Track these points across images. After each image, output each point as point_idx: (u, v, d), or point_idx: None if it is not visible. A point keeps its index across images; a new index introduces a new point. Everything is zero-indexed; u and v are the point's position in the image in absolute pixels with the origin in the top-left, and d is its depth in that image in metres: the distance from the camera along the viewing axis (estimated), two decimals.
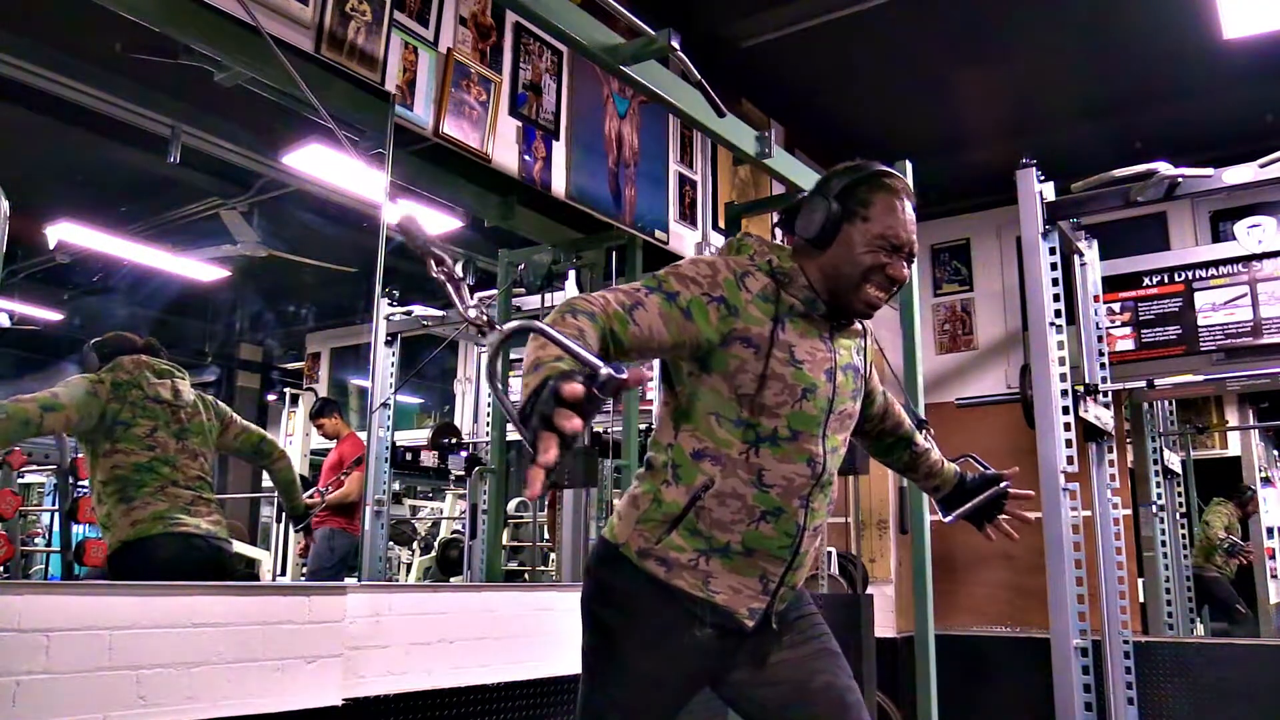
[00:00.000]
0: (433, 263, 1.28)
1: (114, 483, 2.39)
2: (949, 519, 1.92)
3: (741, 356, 1.48)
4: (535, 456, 1.01)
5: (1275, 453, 6.62)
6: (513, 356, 4.32)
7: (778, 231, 4.31)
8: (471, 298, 1.26)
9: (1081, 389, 3.57)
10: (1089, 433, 3.62)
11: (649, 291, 1.43)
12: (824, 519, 1.61)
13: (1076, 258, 3.84)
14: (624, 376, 1.04)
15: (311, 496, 4.52)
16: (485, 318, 1.23)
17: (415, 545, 5.39)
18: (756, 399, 1.49)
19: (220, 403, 2.71)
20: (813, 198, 1.57)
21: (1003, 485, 1.89)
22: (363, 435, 4.68)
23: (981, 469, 1.94)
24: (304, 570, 4.64)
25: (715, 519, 1.51)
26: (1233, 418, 5.68)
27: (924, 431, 1.97)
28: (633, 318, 1.39)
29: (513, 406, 1.09)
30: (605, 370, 1.05)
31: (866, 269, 1.52)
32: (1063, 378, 3.27)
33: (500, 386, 1.12)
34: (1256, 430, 5.88)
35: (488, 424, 4.73)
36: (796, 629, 1.63)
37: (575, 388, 1.02)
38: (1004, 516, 1.90)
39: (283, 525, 4.86)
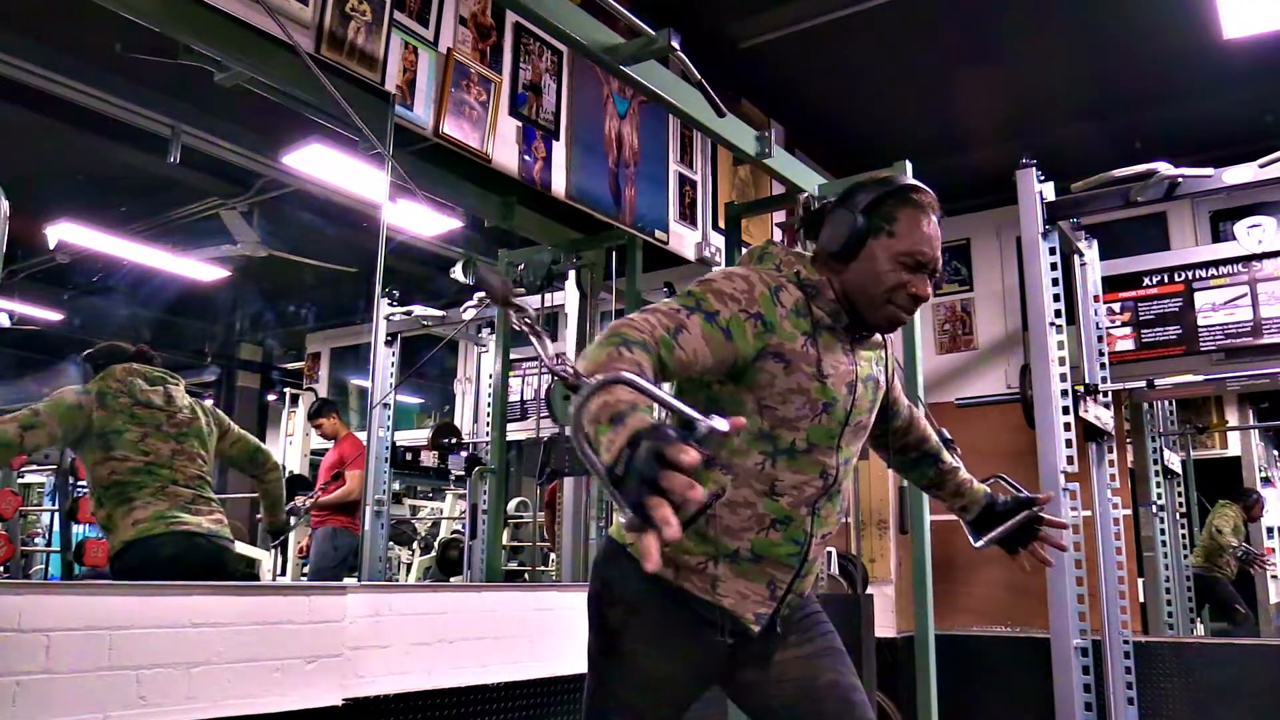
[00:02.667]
0: (513, 314, 1.26)
1: (113, 486, 2.40)
2: (979, 544, 1.83)
3: (772, 371, 1.46)
4: (644, 523, 0.92)
5: (1275, 453, 6.63)
6: (513, 356, 4.33)
7: (777, 231, 4.32)
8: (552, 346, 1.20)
9: (1081, 389, 3.57)
10: (1089, 433, 3.62)
11: (689, 312, 1.39)
12: (833, 526, 1.60)
13: (1076, 258, 3.84)
14: (725, 430, 0.98)
15: (292, 505, 4.55)
16: (571, 369, 1.13)
17: (415, 545, 5.39)
18: (779, 412, 1.48)
19: (219, 410, 2.73)
20: (837, 210, 1.55)
21: (1035, 509, 1.80)
22: (362, 435, 4.68)
23: (1014, 491, 1.85)
24: (304, 570, 4.64)
25: (725, 525, 1.51)
26: (1233, 418, 5.69)
27: (952, 452, 1.90)
28: (677, 341, 1.34)
29: (600, 464, 1.00)
30: (705, 424, 0.98)
31: (890, 287, 1.50)
32: (1063, 378, 3.27)
33: (588, 444, 1.03)
34: (1256, 430, 5.89)
35: (488, 424, 4.73)
36: (802, 628, 1.63)
37: (691, 455, 0.93)
38: (1038, 543, 1.82)
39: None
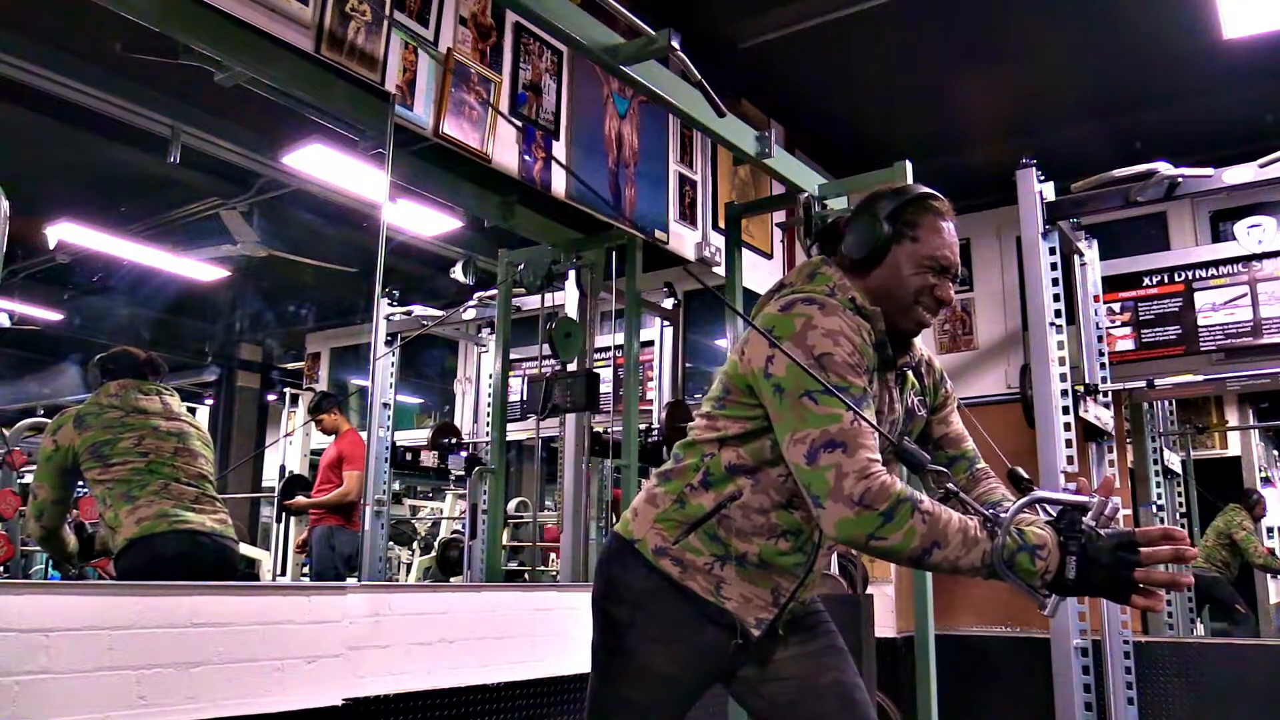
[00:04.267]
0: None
1: (118, 485, 2.43)
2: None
3: None
4: (1120, 598, 1.28)
5: (1275, 453, 6.63)
6: (513, 356, 4.33)
7: (777, 231, 4.32)
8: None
9: (1081, 389, 3.57)
10: (1089, 433, 3.62)
11: (857, 403, 1.38)
12: None
13: (1076, 258, 3.84)
14: (1106, 497, 1.31)
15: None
16: (992, 519, 1.32)
17: (415, 545, 5.39)
18: None
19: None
20: (860, 219, 1.57)
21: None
22: (363, 435, 4.69)
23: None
24: (305, 570, 4.64)
25: (736, 528, 1.52)
26: (1233, 418, 5.69)
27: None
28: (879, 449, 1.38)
29: (1034, 581, 1.28)
30: (1096, 499, 1.30)
31: (916, 290, 1.53)
32: (1063, 378, 3.27)
33: (1011, 570, 1.29)
34: (1256, 430, 5.88)
35: (488, 424, 4.73)
36: (804, 627, 1.64)
37: (1152, 531, 1.30)
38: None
39: (282, 525, 4.87)
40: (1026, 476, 1.50)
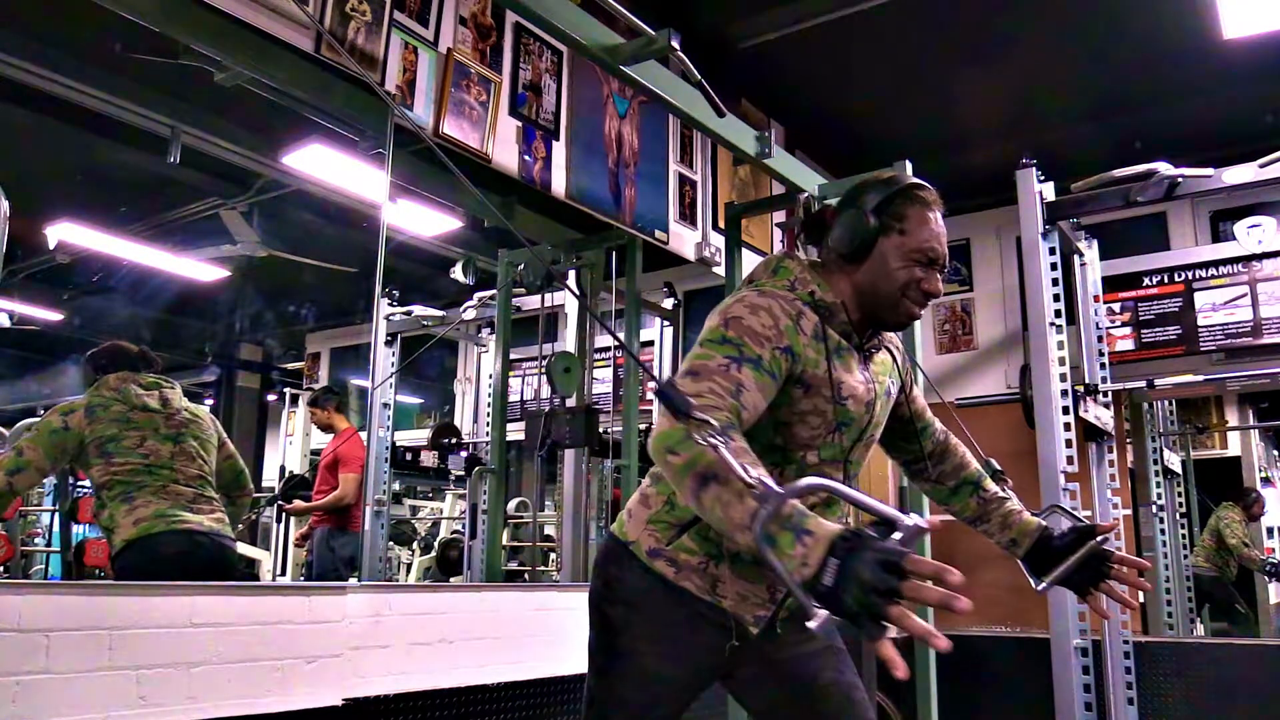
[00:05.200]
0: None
1: (116, 485, 2.43)
2: (1040, 588, 1.64)
3: (793, 395, 1.47)
4: (873, 632, 1.01)
5: (1275, 453, 6.63)
6: (513, 356, 4.33)
7: (777, 231, 4.32)
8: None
9: (1081, 389, 3.56)
10: (1089, 433, 3.61)
11: (737, 364, 1.35)
12: None
13: (1076, 258, 3.83)
14: (926, 526, 1.05)
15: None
16: (761, 485, 1.12)
17: (415, 545, 5.39)
18: (795, 430, 1.49)
19: (219, 423, 2.75)
20: (846, 211, 1.54)
21: (1098, 539, 1.60)
22: (362, 435, 4.68)
23: (1073, 520, 1.66)
24: (304, 572, 4.65)
25: None
26: (1233, 418, 5.68)
27: (1002, 484, 1.77)
28: (742, 403, 1.32)
29: (794, 575, 1.06)
30: (911, 522, 1.03)
31: (903, 284, 1.50)
32: (1063, 378, 3.26)
33: (771, 549, 1.08)
34: (1256, 430, 5.88)
35: (488, 424, 4.73)
36: (803, 627, 1.62)
37: (928, 565, 1.01)
38: (1113, 583, 1.60)
39: (282, 525, 4.87)
40: (1000, 468, 1.48)
